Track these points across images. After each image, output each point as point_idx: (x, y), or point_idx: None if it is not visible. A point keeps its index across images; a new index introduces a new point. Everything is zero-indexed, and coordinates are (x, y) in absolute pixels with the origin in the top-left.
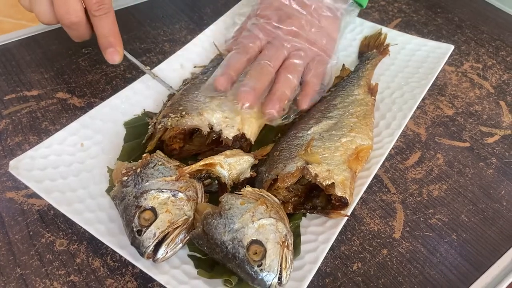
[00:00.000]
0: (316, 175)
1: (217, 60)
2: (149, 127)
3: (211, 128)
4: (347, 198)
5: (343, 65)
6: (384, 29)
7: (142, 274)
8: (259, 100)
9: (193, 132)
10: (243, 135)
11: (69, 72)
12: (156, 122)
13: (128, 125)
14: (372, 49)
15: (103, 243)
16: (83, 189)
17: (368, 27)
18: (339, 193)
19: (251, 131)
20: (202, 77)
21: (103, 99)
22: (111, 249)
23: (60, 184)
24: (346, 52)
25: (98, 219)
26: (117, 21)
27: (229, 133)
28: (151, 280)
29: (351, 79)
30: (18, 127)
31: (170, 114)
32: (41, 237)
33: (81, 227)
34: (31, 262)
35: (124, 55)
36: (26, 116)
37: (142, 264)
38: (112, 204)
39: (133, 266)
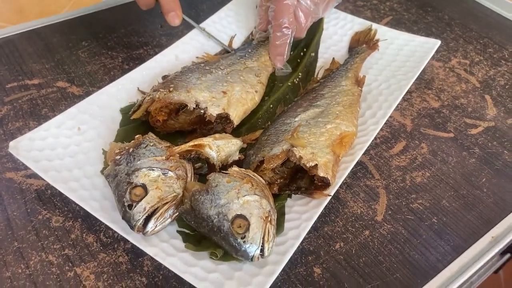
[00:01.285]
0: (301, 157)
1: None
2: (139, 100)
3: (197, 105)
4: (329, 178)
5: (333, 58)
6: (374, 25)
7: (133, 249)
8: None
9: (180, 109)
10: (227, 115)
11: (69, 63)
12: (146, 96)
13: (124, 111)
14: (362, 44)
15: (96, 220)
16: (78, 169)
17: (358, 24)
18: (321, 174)
19: (236, 114)
20: (198, 64)
21: (101, 88)
22: (104, 225)
23: (57, 164)
24: (336, 47)
25: (92, 196)
26: (116, 16)
27: (213, 111)
28: (141, 254)
29: (340, 71)
30: (19, 113)
31: (160, 89)
32: (38, 214)
33: (76, 205)
34: (28, 236)
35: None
36: (27, 103)
37: (133, 238)
38: (106, 183)
39: (125, 242)
